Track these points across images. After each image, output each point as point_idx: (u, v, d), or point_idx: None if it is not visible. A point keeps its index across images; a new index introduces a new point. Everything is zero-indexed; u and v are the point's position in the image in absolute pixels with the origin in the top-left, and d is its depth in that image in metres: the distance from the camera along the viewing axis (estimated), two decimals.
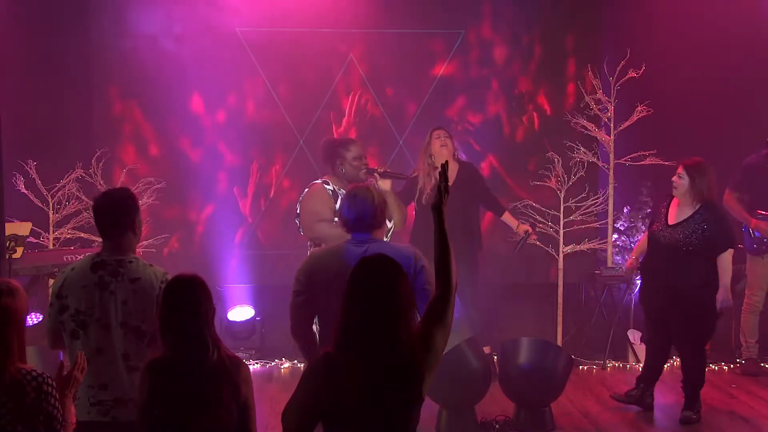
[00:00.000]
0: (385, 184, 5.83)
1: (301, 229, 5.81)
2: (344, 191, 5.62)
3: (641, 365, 7.47)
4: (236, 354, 3.53)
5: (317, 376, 3.17)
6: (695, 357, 6.41)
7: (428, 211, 7.15)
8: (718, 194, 6.74)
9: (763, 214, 7.39)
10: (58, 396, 3.30)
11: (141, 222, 4.06)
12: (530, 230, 7.20)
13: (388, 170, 6.06)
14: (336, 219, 5.54)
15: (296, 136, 8.16)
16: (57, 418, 3.27)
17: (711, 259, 6.22)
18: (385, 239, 5.90)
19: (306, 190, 5.86)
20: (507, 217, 7.33)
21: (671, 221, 6.31)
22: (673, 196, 6.38)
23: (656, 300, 6.40)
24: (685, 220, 6.26)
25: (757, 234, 7.40)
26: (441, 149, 7.10)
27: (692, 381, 6.40)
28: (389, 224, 5.92)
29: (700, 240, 6.19)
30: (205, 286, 3.46)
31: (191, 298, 3.40)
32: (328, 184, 5.80)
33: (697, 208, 6.25)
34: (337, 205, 5.75)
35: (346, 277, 3.84)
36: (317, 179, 5.92)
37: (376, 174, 5.88)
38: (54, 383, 3.31)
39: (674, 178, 6.34)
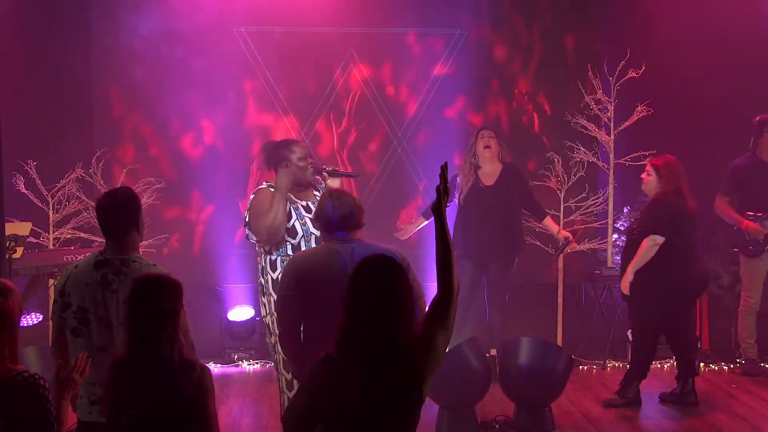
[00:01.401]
0: (334, 183, 5.71)
1: (250, 236, 5.59)
2: (291, 196, 5.56)
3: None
4: (196, 359, 3.48)
5: (318, 378, 3.16)
6: (636, 344, 6.75)
7: (467, 209, 7.27)
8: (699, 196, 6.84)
9: (752, 215, 7.40)
10: (51, 397, 3.29)
11: (143, 221, 4.08)
12: (570, 237, 7.24)
13: (337, 169, 6.08)
14: (310, 219, 5.48)
15: (297, 136, 8.15)
16: (49, 420, 3.25)
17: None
18: None
19: (252, 196, 5.64)
20: (548, 222, 7.34)
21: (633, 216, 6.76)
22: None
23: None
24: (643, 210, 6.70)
25: (750, 236, 7.40)
26: (484, 151, 7.14)
27: (633, 366, 6.72)
28: None
29: (640, 225, 6.56)
30: (171, 287, 3.45)
31: (156, 298, 3.40)
32: (274, 188, 5.61)
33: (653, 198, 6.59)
34: (287, 207, 5.67)
35: (337, 276, 3.86)
36: (261, 184, 5.70)
37: (324, 173, 5.77)
38: (47, 384, 3.29)
39: (642, 175, 6.62)
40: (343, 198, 4.51)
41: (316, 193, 5.70)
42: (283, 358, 5.45)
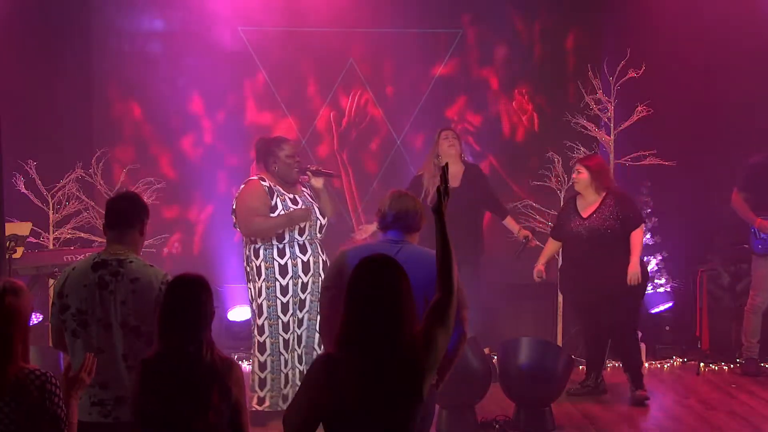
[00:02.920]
0: (317, 182, 6.15)
1: (236, 225, 6.07)
2: (279, 188, 6.03)
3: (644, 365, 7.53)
4: (230, 356, 3.52)
5: (318, 377, 3.17)
6: (630, 339, 6.77)
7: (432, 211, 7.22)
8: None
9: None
10: (62, 396, 3.30)
11: (146, 223, 4.11)
12: (530, 236, 7.21)
13: (321, 169, 6.34)
14: (273, 214, 5.93)
15: (297, 136, 8.16)
16: (61, 418, 3.27)
17: (628, 240, 6.67)
18: (318, 235, 6.13)
19: (242, 186, 6.10)
20: (509, 222, 7.34)
21: (584, 215, 6.73)
22: (574, 197, 6.88)
23: (585, 293, 6.74)
24: (597, 209, 6.70)
25: (762, 235, 7.38)
26: (449, 149, 7.13)
27: (633, 364, 6.77)
28: (323, 220, 6.16)
29: (616, 221, 6.63)
30: (208, 287, 3.47)
31: (193, 298, 3.41)
32: (264, 181, 6.03)
33: (603, 195, 6.71)
34: (273, 201, 5.98)
35: None
36: (253, 176, 6.18)
37: (308, 172, 6.14)
38: (58, 383, 3.30)
39: (573, 176, 6.84)
40: (402, 198, 4.48)
41: (304, 188, 6.18)
42: (258, 341, 6.12)
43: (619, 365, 7.69)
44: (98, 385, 3.85)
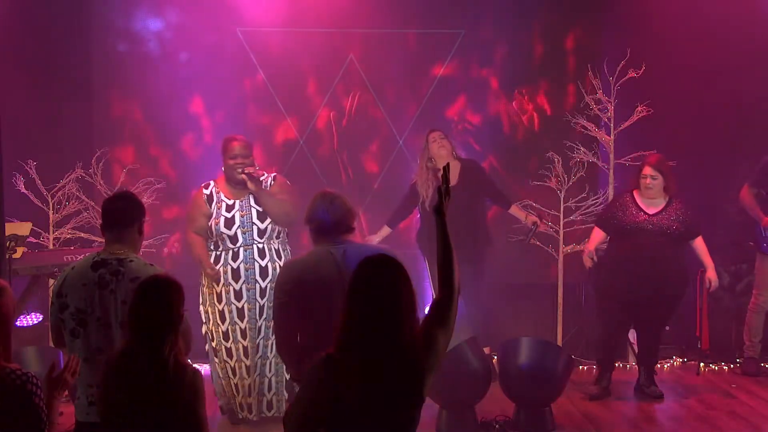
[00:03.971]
0: (251, 185, 6.03)
1: None
2: (222, 194, 6.05)
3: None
4: (189, 363, 3.49)
5: (318, 378, 3.17)
6: (659, 337, 6.96)
7: (432, 216, 7.18)
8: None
9: None
10: (43, 396, 3.29)
11: (144, 222, 4.12)
12: (538, 221, 7.23)
13: (251, 173, 6.05)
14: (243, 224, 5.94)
15: (297, 136, 8.16)
16: (42, 418, 3.26)
17: (683, 246, 6.76)
18: (259, 239, 6.00)
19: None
20: (515, 210, 7.35)
21: (650, 212, 6.70)
22: (631, 192, 6.83)
23: (636, 289, 6.65)
24: (664, 209, 6.70)
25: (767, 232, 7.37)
26: (440, 150, 7.14)
27: (653, 359, 6.96)
28: (261, 225, 5.98)
29: (681, 226, 6.66)
30: (180, 290, 3.47)
31: (162, 301, 3.41)
32: (208, 188, 6.11)
33: (668, 199, 6.73)
34: (212, 209, 6.02)
35: (331, 278, 3.84)
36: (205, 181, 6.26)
37: (243, 175, 6.02)
38: (39, 383, 3.29)
39: (647, 181, 6.72)
40: (335, 202, 4.42)
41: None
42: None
43: (619, 365, 7.71)
44: (96, 385, 3.85)
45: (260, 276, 5.97)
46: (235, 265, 5.97)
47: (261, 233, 5.97)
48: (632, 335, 7.82)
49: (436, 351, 3.22)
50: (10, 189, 7.00)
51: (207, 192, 6.10)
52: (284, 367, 5.50)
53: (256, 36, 8.11)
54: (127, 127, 8.07)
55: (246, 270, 5.96)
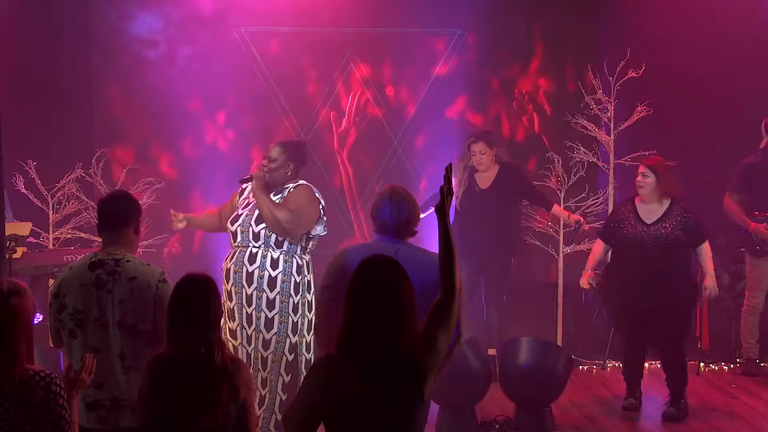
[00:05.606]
0: (253, 185, 5.76)
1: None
2: (251, 193, 5.78)
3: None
4: (237, 356, 3.52)
5: (319, 377, 3.17)
6: (680, 352, 6.47)
7: (462, 217, 7.17)
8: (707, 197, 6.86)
9: (759, 215, 7.39)
10: (66, 396, 3.30)
11: (141, 222, 4.11)
12: (582, 220, 7.26)
13: (246, 177, 5.89)
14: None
15: (298, 137, 8.16)
16: (65, 419, 3.28)
17: (688, 253, 6.43)
18: (254, 243, 5.69)
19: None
20: (557, 210, 7.36)
21: (648, 222, 6.40)
22: (633, 199, 6.55)
23: (638, 303, 6.39)
24: (663, 216, 6.38)
25: (756, 237, 7.39)
26: (478, 166, 7.15)
27: (679, 377, 6.44)
28: (256, 228, 5.69)
29: (683, 233, 6.34)
30: (216, 288, 3.47)
31: (203, 299, 3.41)
32: (248, 182, 5.87)
33: (668, 204, 6.41)
34: (239, 201, 5.86)
35: None
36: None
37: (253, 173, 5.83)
38: (62, 383, 3.31)
39: (638, 179, 6.48)
40: (402, 206, 4.36)
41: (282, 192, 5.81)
42: None
43: (619, 365, 7.70)
44: (94, 385, 3.84)
45: (246, 282, 5.66)
46: (228, 265, 5.77)
47: (255, 236, 5.68)
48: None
49: (437, 351, 3.22)
50: (10, 189, 6.99)
51: (244, 186, 5.93)
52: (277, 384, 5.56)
53: (256, 36, 8.11)
54: (127, 127, 8.07)
55: (235, 273, 5.72)
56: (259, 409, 5.59)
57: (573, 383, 6.77)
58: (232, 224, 5.80)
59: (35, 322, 6.87)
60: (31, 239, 6.87)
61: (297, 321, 5.65)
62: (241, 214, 5.79)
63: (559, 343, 7.51)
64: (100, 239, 4.13)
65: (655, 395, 6.73)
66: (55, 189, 7.40)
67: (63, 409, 3.27)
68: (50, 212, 7.40)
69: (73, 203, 7.42)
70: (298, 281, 5.65)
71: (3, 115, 4.99)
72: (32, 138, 7.60)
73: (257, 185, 5.72)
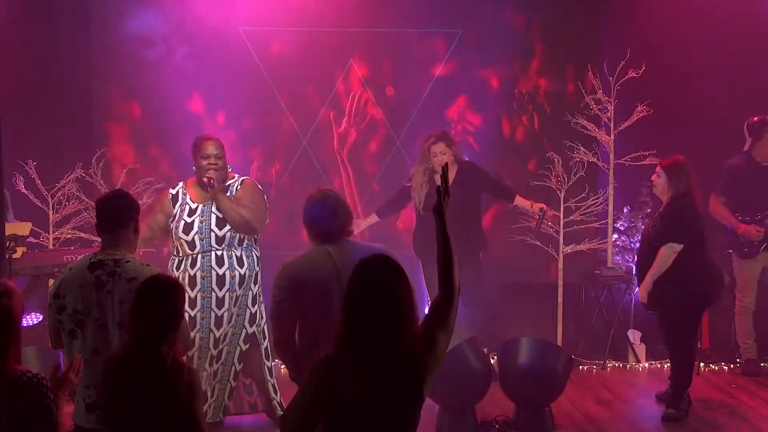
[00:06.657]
0: (211, 192, 5.72)
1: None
2: (189, 196, 5.79)
3: (641, 365, 7.52)
4: (186, 362, 3.51)
5: (318, 378, 3.17)
6: (680, 353, 6.38)
7: (426, 220, 7.16)
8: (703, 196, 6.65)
9: (740, 217, 7.39)
10: (53, 397, 3.30)
11: (139, 222, 4.11)
12: (545, 207, 7.21)
13: (203, 178, 5.79)
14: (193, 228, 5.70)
15: (299, 136, 8.17)
16: (54, 420, 3.27)
17: (685, 251, 6.21)
18: (217, 247, 5.71)
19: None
20: (519, 201, 7.32)
21: (649, 221, 6.55)
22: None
23: (653, 303, 6.41)
24: (655, 216, 6.45)
25: (745, 239, 7.40)
26: (439, 167, 7.10)
27: (680, 378, 6.38)
28: (219, 231, 5.70)
29: (657, 233, 6.29)
30: (181, 291, 3.51)
31: (164, 298, 3.44)
32: (176, 187, 5.92)
33: (667, 201, 6.36)
34: (174, 210, 5.80)
35: (329, 277, 3.83)
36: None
37: (205, 178, 5.74)
38: (49, 384, 3.31)
39: (653, 177, 6.44)
40: (329, 201, 4.40)
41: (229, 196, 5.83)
42: None
43: (619, 365, 7.72)
44: (93, 386, 3.85)
45: (217, 285, 5.68)
46: (192, 272, 5.69)
47: (219, 240, 5.68)
48: (631, 335, 7.83)
49: (436, 351, 3.22)
50: (11, 189, 7.00)
51: (173, 191, 5.88)
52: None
53: (256, 35, 8.11)
54: (127, 127, 8.07)
55: (202, 278, 5.68)
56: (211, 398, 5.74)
57: (573, 383, 6.77)
58: (186, 233, 5.72)
59: (35, 322, 6.91)
60: (31, 239, 6.88)
61: (255, 312, 5.87)
62: (192, 221, 5.73)
63: (559, 343, 7.51)
64: (100, 239, 4.13)
65: (655, 395, 6.75)
66: (55, 189, 7.40)
67: (51, 410, 3.27)
68: (50, 212, 7.40)
69: (73, 203, 7.42)
70: (257, 271, 5.88)
71: (3, 115, 5.00)
72: (32, 138, 7.61)
73: (218, 189, 5.70)
